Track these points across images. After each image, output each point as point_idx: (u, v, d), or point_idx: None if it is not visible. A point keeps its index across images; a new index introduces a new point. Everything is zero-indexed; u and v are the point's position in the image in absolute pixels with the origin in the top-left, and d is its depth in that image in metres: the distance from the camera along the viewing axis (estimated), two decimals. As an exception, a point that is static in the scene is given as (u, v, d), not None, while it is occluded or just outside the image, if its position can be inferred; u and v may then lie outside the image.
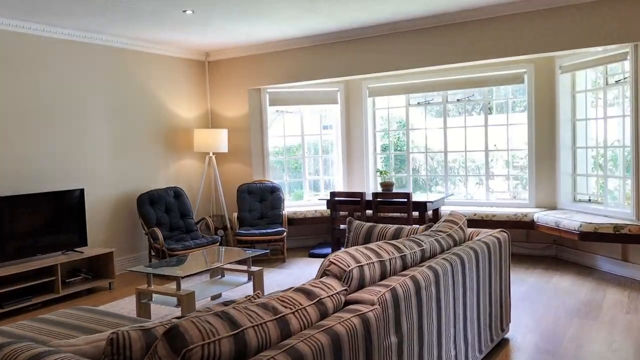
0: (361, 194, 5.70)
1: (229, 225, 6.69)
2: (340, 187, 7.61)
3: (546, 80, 6.31)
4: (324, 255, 6.07)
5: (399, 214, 5.91)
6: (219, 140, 6.99)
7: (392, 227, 3.93)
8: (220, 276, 5.05)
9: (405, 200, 5.48)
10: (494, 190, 6.97)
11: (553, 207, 6.36)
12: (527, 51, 5.54)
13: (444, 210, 6.56)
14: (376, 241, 4.00)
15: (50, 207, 5.29)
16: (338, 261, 2.43)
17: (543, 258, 6.30)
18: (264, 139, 7.41)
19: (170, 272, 4.19)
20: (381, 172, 6.15)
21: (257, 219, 6.98)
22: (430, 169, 7.34)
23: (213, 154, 7.23)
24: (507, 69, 6.50)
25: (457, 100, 7.04)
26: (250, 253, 4.88)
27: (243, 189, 7.07)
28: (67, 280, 5.45)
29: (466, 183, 7.07)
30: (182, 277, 4.11)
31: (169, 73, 6.95)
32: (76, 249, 5.53)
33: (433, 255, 3.07)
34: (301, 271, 6.03)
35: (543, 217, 5.90)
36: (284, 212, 6.81)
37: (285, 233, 6.49)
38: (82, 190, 5.57)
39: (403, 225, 3.93)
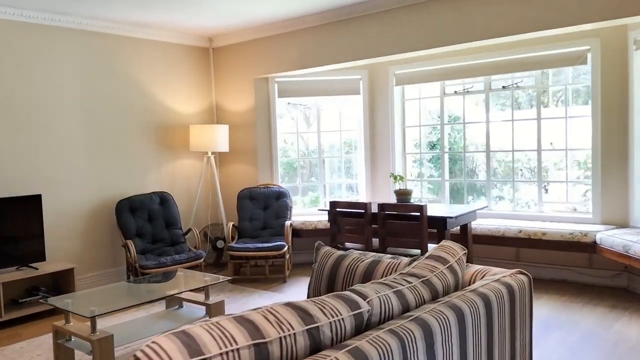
0: (365, 205, 4.56)
1: (229, 236, 5.75)
2: (363, 194, 6.47)
3: (616, 60, 4.85)
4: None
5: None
6: (218, 137, 6.06)
7: (366, 261, 2.83)
8: (177, 306, 4.10)
9: (419, 214, 4.28)
10: (549, 200, 5.56)
11: (624, 225, 4.90)
12: (593, 18, 4.16)
13: (480, 225, 5.27)
14: (343, 279, 2.91)
15: (6, 215, 4.57)
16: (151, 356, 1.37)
17: (611, 290, 4.87)
18: (272, 136, 6.40)
19: (80, 309, 3.27)
20: (396, 178, 4.96)
21: (259, 230, 5.99)
22: (474, 170, 6.03)
23: (212, 153, 6.31)
24: (566, 46, 5.10)
25: (503, 87, 5.69)
26: (208, 280, 3.89)
27: (244, 194, 6.10)
28: (20, 301, 4.72)
29: (513, 190, 5.71)
30: (90, 318, 3.17)
31: (164, 62, 6.10)
32: (31, 265, 4.78)
33: (383, 321, 1.93)
34: (302, 295, 4.98)
35: (608, 238, 4.48)
36: (288, 222, 5.77)
37: (285, 248, 5.46)
38: (38, 197, 4.81)
39: (382, 257, 2.82)
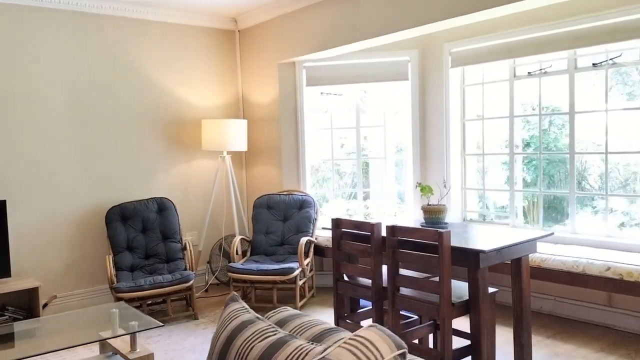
0: (372, 227, 3.33)
1: (233, 253, 4.79)
2: (410, 205, 5.18)
3: None
4: (362, 308, 3.82)
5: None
6: (234, 134, 5.11)
7: (267, 340, 1.75)
8: (111, 353, 3.19)
9: (436, 244, 2.97)
10: (661, 222, 3.92)
11: None
12: None
13: (553, 256, 3.79)
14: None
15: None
16: None
17: None
18: (299, 132, 5.32)
19: None
20: (423, 189, 3.64)
21: (276, 246, 4.96)
22: (554, 177, 4.52)
23: (228, 153, 5.38)
24: (687, -1, 3.45)
25: (593, 65, 4.11)
26: (134, 325, 2.94)
27: (261, 202, 5.10)
28: (-20, 322, 4.13)
29: (607, 206, 4.11)
30: None
31: (179, 48, 5.27)
32: (-7, 281, 4.17)
33: None
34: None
35: None
36: (304, 239, 4.65)
37: (296, 272, 4.37)
38: (2, 203, 4.18)
39: (291, 341, 1.71)
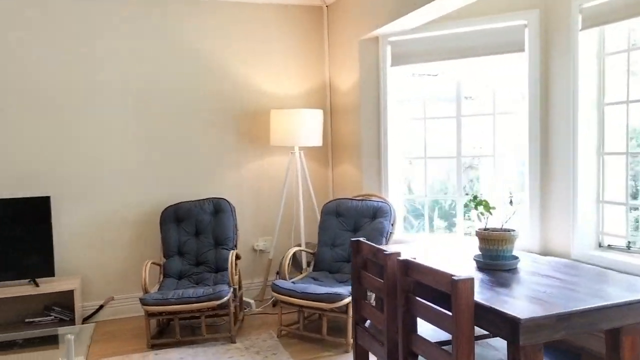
0: (386, 258, 2.28)
1: (284, 267, 4.03)
2: (526, 222, 3.84)
3: None
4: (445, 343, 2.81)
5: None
6: (305, 127, 4.35)
7: None
8: (65, 384, 2.70)
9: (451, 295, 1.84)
10: None
11: None
12: None
13: None
14: None
15: (9, 218, 3.95)
16: None
17: None
18: (381, 123, 4.33)
19: None
20: (478, 204, 2.42)
21: (342, 262, 4.08)
22: None
23: (300, 149, 4.61)
24: None
25: None
26: (59, 362, 2.38)
27: (330, 208, 4.25)
28: (27, 320, 4.05)
29: None
30: None
31: (251, 30, 4.69)
32: (36, 280, 4.05)
33: None
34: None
35: None
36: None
37: (346, 300, 3.46)
38: (46, 199, 4.03)
39: None
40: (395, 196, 4.37)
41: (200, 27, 4.53)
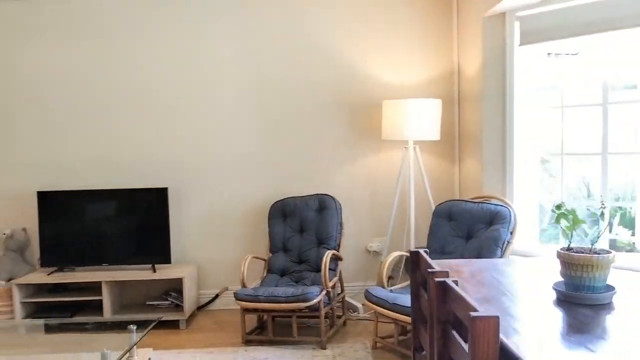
0: (432, 277, 1.80)
1: (382, 275, 3.64)
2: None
3: None
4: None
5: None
6: (420, 119, 3.93)
7: None
8: None
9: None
10: None
11: None
12: None
13: None
14: None
15: (129, 208, 4.26)
16: None
17: None
18: (507, 113, 3.69)
19: None
20: (560, 216, 1.77)
21: (450, 273, 3.57)
22: None
23: (415, 144, 4.15)
24: None
25: None
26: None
27: (442, 210, 3.76)
28: (147, 303, 4.32)
29: None
30: None
31: (372, 14, 4.38)
32: (156, 265, 4.27)
33: None
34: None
35: None
36: (470, 270, 3.16)
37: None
38: (163, 190, 4.22)
39: None
40: (524, 199, 3.70)
41: (318, 17, 4.36)
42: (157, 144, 4.42)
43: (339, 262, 3.95)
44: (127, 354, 2.58)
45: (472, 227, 3.57)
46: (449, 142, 4.41)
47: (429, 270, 1.90)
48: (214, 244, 4.48)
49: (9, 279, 4.23)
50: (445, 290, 1.74)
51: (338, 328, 3.90)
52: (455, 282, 1.73)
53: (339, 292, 4.03)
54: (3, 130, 4.40)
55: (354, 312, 4.27)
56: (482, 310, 1.41)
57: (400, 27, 4.38)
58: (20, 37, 4.34)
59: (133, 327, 2.69)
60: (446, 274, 1.87)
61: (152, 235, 4.24)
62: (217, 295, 4.51)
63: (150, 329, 2.80)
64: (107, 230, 4.24)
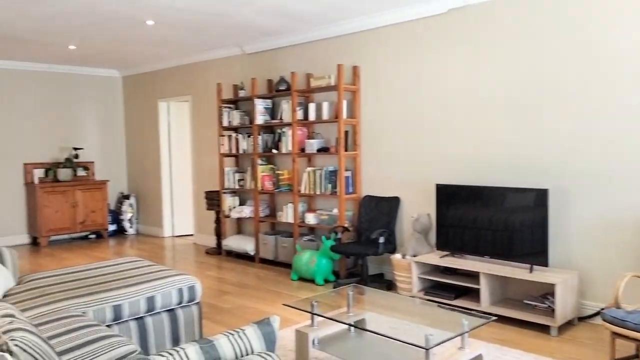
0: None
1: (618, 295, 2.48)
2: None
3: None
4: None
5: None
6: None
7: None
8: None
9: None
10: None
11: None
12: None
13: None
14: None
15: (510, 206, 4.34)
16: None
17: None
18: None
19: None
20: None
21: None
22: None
23: None
24: None
25: None
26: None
27: None
28: (525, 302, 4.35)
29: None
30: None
31: None
32: (534, 266, 4.22)
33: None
34: None
35: None
36: None
37: None
38: (543, 192, 4.08)
39: None
40: None
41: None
42: (537, 144, 4.35)
43: None
44: (455, 343, 2.81)
45: None
46: None
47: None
48: (601, 253, 4.11)
49: (414, 255, 5.02)
50: None
51: None
52: None
53: None
54: (414, 130, 5.20)
55: None
56: None
57: None
58: (444, 47, 5.01)
59: (465, 321, 2.89)
60: None
61: (531, 235, 4.23)
62: (600, 311, 4.13)
63: (480, 326, 2.94)
64: (490, 225, 4.48)
